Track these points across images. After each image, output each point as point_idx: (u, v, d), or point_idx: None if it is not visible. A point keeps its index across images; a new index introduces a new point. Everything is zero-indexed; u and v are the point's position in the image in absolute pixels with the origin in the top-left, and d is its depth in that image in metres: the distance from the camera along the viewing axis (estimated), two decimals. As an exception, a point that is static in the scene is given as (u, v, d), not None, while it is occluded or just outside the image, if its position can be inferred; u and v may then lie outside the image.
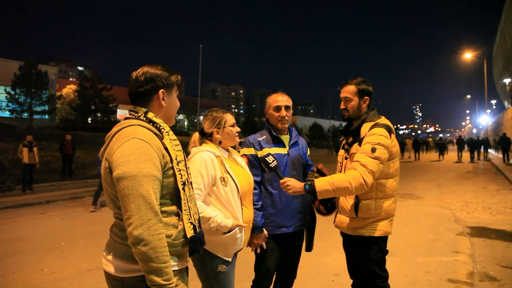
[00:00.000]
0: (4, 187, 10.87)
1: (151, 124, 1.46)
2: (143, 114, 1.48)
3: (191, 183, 1.56)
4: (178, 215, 1.46)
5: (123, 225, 1.37)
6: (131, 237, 1.27)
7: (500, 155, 20.90)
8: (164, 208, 1.42)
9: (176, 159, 1.45)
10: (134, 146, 1.33)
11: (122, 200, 1.30)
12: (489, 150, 26.31)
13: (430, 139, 42.55)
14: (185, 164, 1.53)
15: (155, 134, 1.43)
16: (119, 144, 1.35)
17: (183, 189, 1.45)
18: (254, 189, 2.27)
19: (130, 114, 1.51)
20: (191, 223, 1.47)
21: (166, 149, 1.43)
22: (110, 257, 1.43)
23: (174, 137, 1.51)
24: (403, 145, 27.40)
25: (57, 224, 6.84)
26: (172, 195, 1.46)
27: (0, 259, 4.71)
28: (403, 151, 27.33)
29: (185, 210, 1.45)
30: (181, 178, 1.45)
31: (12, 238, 5.78)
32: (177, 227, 1.44)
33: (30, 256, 4.82)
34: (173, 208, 1.45)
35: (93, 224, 6.71)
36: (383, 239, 2.26)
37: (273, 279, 2.50)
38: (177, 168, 1.44)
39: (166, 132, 1.48)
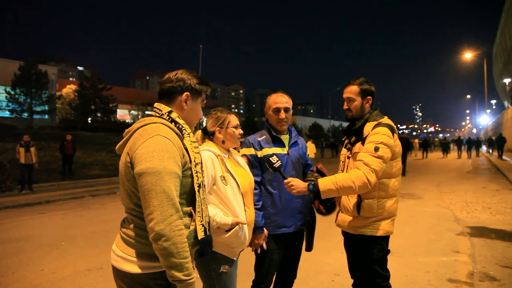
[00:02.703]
0: (4, 187, 10.86)
1: (173, 123, 1.47)
2: (167, 113, 1.49)
3: (205, 186, 1.57)
4: (191, 215, 1.47)
5: (136, 221, 1.39)
6: (152, 232, 1.28)
7: (495, 153, 24.71)
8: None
9: (194, 160, 1.46)
10: (158, 143, 1.34)
11: (143, 196, 1.31)
12: (482, 149, 33.59)
13: (436, 139, 44.02)
14: (202, 167, 1.54)
15: (176, 134, 1.44)
16: (142, 140, 1.36)
17: (198, 191, 1.46)
18: (255, 189, 2.27)
19: (153, 111, 1.52)
20: (203, 225, 1.48)
21: (186, 149, 1.45)
22: (120, 252, 1.44)
23: (194, 139, 1.53)
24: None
25: (57, 224, 6.84)
26: (188, 196, 1.47)
27: (0, 259, 4.71)
28: (409, 150, 29.98)
29: (198, 212, 1.46)
30: (197, 180, 1.46)
31: (12, 238, 5.78)
32: (189, 227, 1.45)
33: (30, 256, 4.82)
34: (187, 208, 1.47)
35: (93, 224, 6.71)
36: (385, 238, 2.26)
37: (273, 279, 2.50)
38: (194, 170, 1.45)
39: (187, 134, 1.49)
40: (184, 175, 1.42)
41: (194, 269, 1.55)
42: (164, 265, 1.31)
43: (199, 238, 1.45)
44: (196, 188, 1.45)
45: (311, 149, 18.02)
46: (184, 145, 1.45)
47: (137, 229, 1.40)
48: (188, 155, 1.44)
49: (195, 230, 1.46)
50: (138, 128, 1.43)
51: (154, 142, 1.34)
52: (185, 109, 1.54)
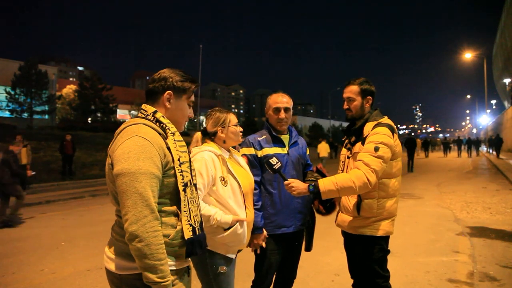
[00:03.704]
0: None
1: (157, 124, 1.47)
2: (152, 114, 1.49)
3: (195, 185, 1.56)
4: (177, 215, 1.46)
5: (122, 222, 1.39)
6: (127, 233, 1.29)
7: (494, 153, 25.66)
8: (164, 208, 1.42)
9: (179, 160, 1.45)
10: (135, 144, 1.35)
11: (120, 196, 1.32)
12: (481, 148, 35.34)
13: (438, 139, 45.03)
14: (190, 166, 1.53)
15: (159, 133, 1.44)
16: (121, 141, 1.38)
17: (184, 190, 1.46)
18: (254, 189, 2.26)
19: (139, 113, 1.54)
20: (190, 224, 1.46)
21: (168, 149, 1.44)
22: (110, 254, 1.46)
23: (180, 138, 1.52)
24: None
25: (57, 224, 6.84)
26: (172, 195, 1.46)
27: (0, 259, 4.71)
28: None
29: (184, 211, 1.45)
30: (183, 179, 1.45)
31: (12, 238, 5.78)
32: (175, 227, 1.44)
33: (30, 256, 4.82)
34: (173, 208, 1.46)
35: (93, 224, 6.71)
36: (385, 238, 2.26)
37: (273, 279, 2.50)
38: (178, 169, 1.44)
39: (171, 133, 1.48)
40: (166, 174, 1.42)
41: (172, 271, 1.51)
42: (139, 266, 1.32)
43: (186, 238, 1.44)
44: (181, 188, 1.44)
45: (325, 149, 18.55)
46: (166, 144, 1.44)
47: (123, 229, 1.39)
48: (171, 155, 1.44)
49: (182, 230, 1.45)
50: (122, 130, 1.44)
51: (131, 143, 1.35)
52: (169, 108, 1.53)
